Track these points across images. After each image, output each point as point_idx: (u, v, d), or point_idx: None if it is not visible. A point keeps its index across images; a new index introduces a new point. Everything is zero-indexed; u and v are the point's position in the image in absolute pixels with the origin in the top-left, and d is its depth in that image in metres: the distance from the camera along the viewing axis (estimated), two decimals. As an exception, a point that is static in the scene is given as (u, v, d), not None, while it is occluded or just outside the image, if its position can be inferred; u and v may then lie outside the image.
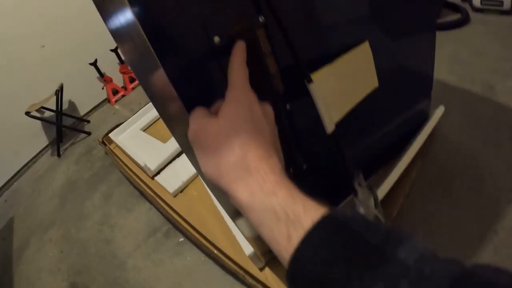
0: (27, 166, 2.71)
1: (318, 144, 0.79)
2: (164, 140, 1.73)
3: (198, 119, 0.37)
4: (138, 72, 0.51)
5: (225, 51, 0.44)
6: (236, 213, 0.98)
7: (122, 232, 1.60)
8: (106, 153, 2.15)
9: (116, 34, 0.46)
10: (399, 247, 0.23)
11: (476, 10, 2.09)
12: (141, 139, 1.89)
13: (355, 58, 0.72)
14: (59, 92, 2.59)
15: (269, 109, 0.39)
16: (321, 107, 0.65)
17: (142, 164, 1.56)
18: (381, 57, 0.80)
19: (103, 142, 2.08)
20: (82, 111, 3.08)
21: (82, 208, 1.89)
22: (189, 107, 0.44)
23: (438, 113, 1.28)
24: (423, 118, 1.26)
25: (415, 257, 0.22)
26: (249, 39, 0.47)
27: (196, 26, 0.46)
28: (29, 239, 1.87)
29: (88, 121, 2.97)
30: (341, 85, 0.71)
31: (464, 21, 2.01)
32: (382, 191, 1.05)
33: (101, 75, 3.03)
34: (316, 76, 0.63)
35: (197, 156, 0.36)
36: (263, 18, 0.51)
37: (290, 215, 0.27)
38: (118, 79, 3.19)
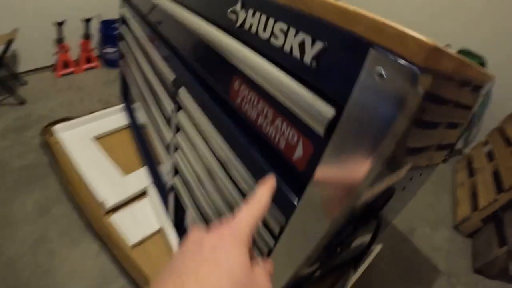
0: None
1: None
2: (125, 170, 1.53)
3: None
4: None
5: None
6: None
7: (66, 265, 1.34)
8: (42, 144, 1.88)
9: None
10: None
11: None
12: (95, 156, 1.62)
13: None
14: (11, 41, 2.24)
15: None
16: None
17: (97, 197, 1.38)
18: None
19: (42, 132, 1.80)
20: (22, 67, 2.67)
21: (10, 209, 1.54)
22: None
23: (376, 250, 1.51)
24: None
25: None
26: None
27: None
28: None
29: (25, 84, 2.59)
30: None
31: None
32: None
33: (61, 40, 2.70)
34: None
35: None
36: None
37: None
38: (74, 53, 2.88)
